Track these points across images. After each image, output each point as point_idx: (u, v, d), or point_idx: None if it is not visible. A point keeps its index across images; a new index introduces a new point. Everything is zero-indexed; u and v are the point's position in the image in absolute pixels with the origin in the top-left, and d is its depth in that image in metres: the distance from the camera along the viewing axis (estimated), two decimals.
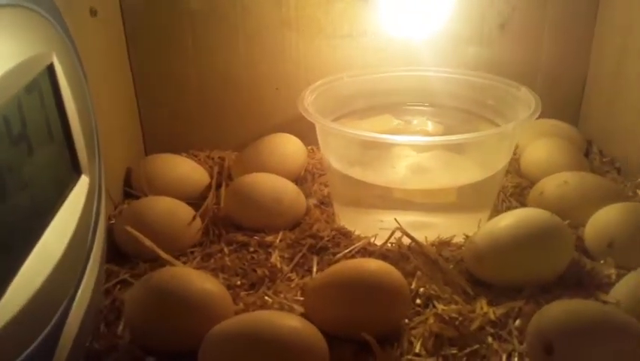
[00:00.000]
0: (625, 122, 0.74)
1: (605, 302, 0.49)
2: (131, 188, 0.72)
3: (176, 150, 0.78)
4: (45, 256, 0.37)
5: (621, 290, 0.50)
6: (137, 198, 0.69)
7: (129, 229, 0.58)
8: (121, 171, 0.72)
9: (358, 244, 0.59)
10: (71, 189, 0.44)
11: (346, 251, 0.58)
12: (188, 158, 0.77)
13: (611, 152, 0.76)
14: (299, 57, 0.79)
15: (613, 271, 0.54)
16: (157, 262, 0.58)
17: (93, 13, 0.65)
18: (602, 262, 0.56)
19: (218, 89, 0.81)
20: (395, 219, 0.58)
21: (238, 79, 0.80)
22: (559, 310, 0.44)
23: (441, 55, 0.79)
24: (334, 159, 0.63)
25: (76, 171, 0.45)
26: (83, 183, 0.46)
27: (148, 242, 0.58)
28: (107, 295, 0.54)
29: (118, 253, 0.60)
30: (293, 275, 0.57)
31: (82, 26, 0.61)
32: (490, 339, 0.48)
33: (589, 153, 0.77)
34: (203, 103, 0.81)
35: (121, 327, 0.51)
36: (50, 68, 0.42)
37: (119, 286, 0.56)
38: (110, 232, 0.60)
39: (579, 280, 0.54)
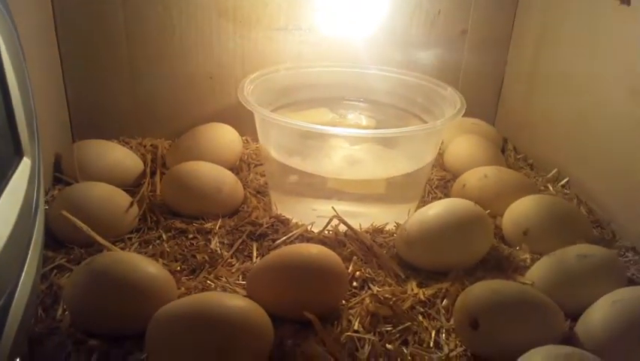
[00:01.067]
0: (537, 123, 0.81)
1: (521, 283, 0.54)
2: (61, 174, 0.70)
3: (105, 136, 0.76)
4: None
5: (535, 273, 0.55)
6: (68, 184, 0.67)
7: (65, 213, 0.57)
8: (49, 157, 0.70)
9: (297, 231, 0.61)
10: (14, 171, 0.43)
11: (285, 238, 0.61)
12: (120, 145, 0.76)
13: (525, 150, 0.83)
14: (235, 47, 0.80)
15: (528, 256, 0.59)
16: (93, 248, 0.58)
17: None
18: (517, 248, 0.61)
19: (150, 75, 0.80)
20: (332, 207, 0.61)
21: (172, 66, 0.80)
22: (482, 289, 0.48)
23: (372, 52, 0.82)
24: (274, 148, 0.64)
25: (18, 154, 0.44)
26: (25, 165, 0.45)
27: (85, 227, 0.57)
28: (44, 281, 0.53)
29: (52, 239, 0.59)
30: (233, 261, 0.58)
31: (13, 4, 0.59)
32: (420, 317, 0.51)
33: (505, 150, 0.84)
34: (135, 89, 0.80)
35: (59, 311, 0.50)
36: None
37: (55, 272, 0.55)
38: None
39: (498, 264, 0.59)
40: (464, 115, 0.64)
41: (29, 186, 0.45)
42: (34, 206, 0.46)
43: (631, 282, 0.56)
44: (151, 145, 0.80)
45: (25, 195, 0.43)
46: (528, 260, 0.59)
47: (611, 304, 0.47)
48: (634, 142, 0.62)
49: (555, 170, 0.76)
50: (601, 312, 0.47)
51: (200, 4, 0.77)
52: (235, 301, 0.45)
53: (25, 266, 0.43)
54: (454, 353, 0.48)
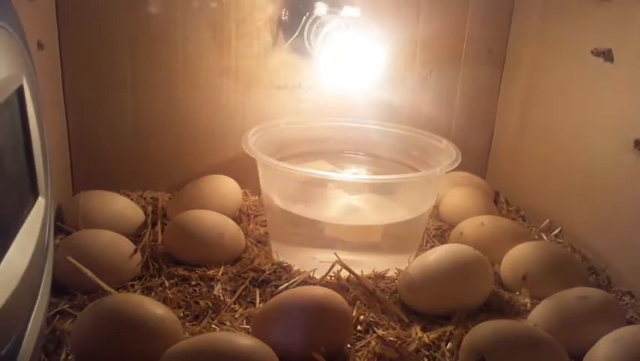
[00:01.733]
0: (528, 175, 0.83)
1: (525, 324, 0.54)
2: (62, 223, 0.70)
3: (105, 189, 0.77)
4: (6, 278, 0.36)
5: (537, 315, 0.56)
6: (68, 233, 0.68)
7: (71, 259, 0.57)
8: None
9: (299, 277, 0.62)
10: (30, 210, 0.44)
11: (288, 283, 0.61)
12: (121, 196, 0.77)
13: (516, 202, 0.86)
14: (236, 104, 0.83)
15: (528, 301, 0.60)
16: (96, 294, 0.57)
17: (40, 47, 0.66)
18: (517, 293, 0.62)
19: (153, 130, 0.82)
20: (335, 253, 0.62)
21: (175, 122, 0.82)
22: (488, 328, 0.49)
23: (368, 108, 0.85)
24: (277, 196, 0.66)
25: (33, 193, 0.46)
26: (40, 204, 0.46)
27: (89, 273, 0.57)
28: (47, 326, 0.53)
29: (55, 285, 0.58)
30: (236, 306, 0.58)
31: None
32: (426, 360, 0.52)
33: (497, 202, 0.86)
34: (137, 144, 0.82)
35: (62, 356, 0.50)
36: (20, 90, 0.43)
37: (58, 317, 0.55)
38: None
39: (500, 308, 0.60)
40: (456, 169, 0.67)
41: (42, 226, 0.45)
42: (45, 247, 0.47)
43: (629, 324, 0.57)
44: (151, 198, 0.81)
45: (39, 234, 0.44)
46: (528, 304, 0.60)
47: (612, 343, 0.48)
48: (625, 190, 0.65)
49: (547, 220, 0.78)
50: (603, 350, 0.48)
51: (204, 64, 0.80)
52: (244, 340, 0.45)
53: (36, 307, 0.43)
54: None
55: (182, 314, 0.57)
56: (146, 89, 0.80)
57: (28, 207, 0.44)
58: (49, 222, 0.48)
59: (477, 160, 0.92)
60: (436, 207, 0.82)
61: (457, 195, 0.80)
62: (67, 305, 0.56)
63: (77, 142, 0.80)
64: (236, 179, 0.80)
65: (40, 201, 0.46)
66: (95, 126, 0.80)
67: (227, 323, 0.55)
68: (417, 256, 0.67)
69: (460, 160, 0.66)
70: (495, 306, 0.60)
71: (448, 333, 0.55)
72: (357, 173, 0.76)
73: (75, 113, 0.79)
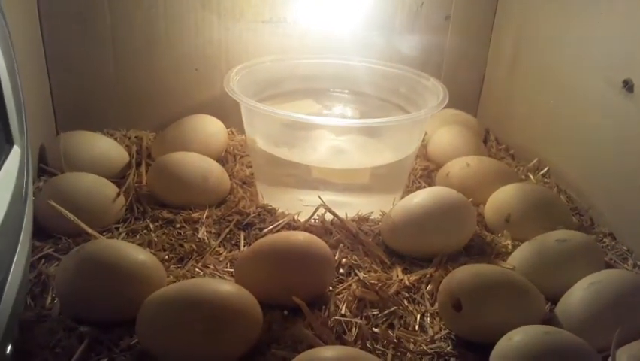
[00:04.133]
0: (518, 114, 0.82)
1: (503, 268, 0.55)
2: (46, 165, 0.70)
3: (89, 128, 0.76)
4: None
5: (517, 258, 0.57)
6: (53, 175, 0.67)
7: (52, 203, 0.57)
8: (34, 148, 0.70)
9: (283, 220, 0.62)
10: (4, 160, 0.43)
11: (272, 226, 0.61)
12: (105, 136, 0.76)
13: (506, 140, 0.85)
14: (220, 40, 0.80)
15: (509, 242, 0.61)
16: (81, 238, 0.58)
17: None
18: (500, 235, 0.63)
19: (135, 68, 0.80)
20: (319, 196, 0.62)
21: (157, 59, 0.80)
22: (465, 272, 0.50)
23: (356, 44, 0.83)
24: (260, 139, 0.65)
25: (8, 142, 0.45)
26: (15, 154, 0.45)
27: (72, 217, 0.57)
28: (32, 270, 0.53)
29: (40, 229, 0.59)
30: (221, 249, 0.59)
31: None
32: (405, 302, 0.53)
33: (486, 141, 0.85)
34: (119, 81, 0.80)
35: (49, 300, 0.50)
36: None
37: (43, 261, 0.55)
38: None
39: (481, 251, 0.60)
40: (447, 106, 0.65)
41: (19, 174, 0.45)
42: (24, 194, 0.46)
43: (608, 266, 0.58)
44: (135, 137, 0.80)
45: (16, 183, 0.44)
46: (510, 246, 0.61)
47: (587, 287, 0.48)
48: (612, 132, 0.64)
49: (536, 159, 0.78)
50: (579, 294, 0.49)
51: None
52: (224, 286, 0.46)
53: (17, 254, 0.43)
54: (439, 335, 0.49)
55: (166, 257, 0.57)
56: (125, 24, 0.77)
57: (2, 156, 0.43)
58: (26, 170, 0.48)
59: (468, 97, 0.91)
60: (425, 146, 0.81)
61: (446, 134, 0.79)
62: (51, 249, 0.57)
63: (58, 81, 0.78)
64: (222, 117, 0.78)
65: (16, 150, 0.45)
66: (75, 64, 0.78)
67: (211, 266, 0.56)
68: (403, 196, 0.67)
69: (447, 100, 0.65)
70: (476, 248, 0.61)
71: (428, 275, 0.56)
72: (343, 112, 0.75)
73: (54, 51, 0.76)
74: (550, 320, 0.50)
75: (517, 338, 0.42)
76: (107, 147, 0.73)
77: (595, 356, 0.42)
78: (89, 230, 0.58)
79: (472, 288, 0.48)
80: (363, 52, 0.81)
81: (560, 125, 0.73)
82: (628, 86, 0.60)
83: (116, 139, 0.78)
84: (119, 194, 0.63)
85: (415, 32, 0.85)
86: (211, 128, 0.76)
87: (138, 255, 0.50)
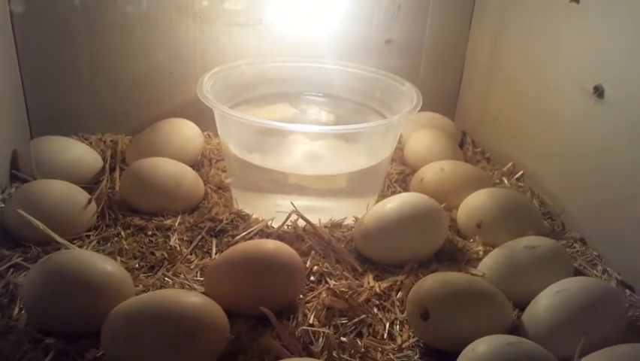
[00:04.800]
0: (494, 118, 0.83)
1: (473, 275, 0.55)
2: (18, 171, 0.69)
3: (64, 133, 0.75)
4: None
5: (487, 264, 0.57)
6: (25, 181, 0.67)
7: (21, 211, 0.57)
8: (6, 154, 0.69)
9: (256, 227, 0.62)
10: None
11: (244, 233, 0.61)
12: (78, 141, 0.76)
13: (482, 143, 0.85)
14: (195, 43, 0.80)
15: (481, 248, 0.61)
16: (51, 246, 0.57)
17: None
18: (471, 240, 0.63)
19: (110, 71, 0.79)
20: (292, 202, 0.62)
21: (132, 62, 0.79)
22: (433, 281, 0.50)
23: (331, 48, 0.83)
24: (233, 145, 0.65)
25: None
26: None
27: (41, 225, 0.57)
28: (0, 280, 0.53)
29: (9, 237, 0.58)
30: (192, 257, 0.59)
31: None
32: (375, 310, 0.53)
33: (463, 144, 0.86)
34: (94, 85, 0.79)
35: (16, 310, 0.50)
36: None
37: (11, 270, 0.55)
38: None
39: (452, 256, 0.61)
40: (424, 109, 0.65)
41: None
42: None
43: (577, 273, 0.58)
44: (111, 141, 0.79)
45: None
46: (481, 252, 0.61)
47: (554, 295, 0.49)
48: (584, 137, 0.64)
49: (510, 163, 0.78)
50: (545, 302, 0.49)
51: (160, 0, 0.76)
52: (190, 298, 0.46)
53: None
54: (407, 343, 0.50)
55: (137, 265, 0.57)
56: (100, 27, 0.76)
57: None
58: None
59: (446, 100, 0.91)
60: (401, 149, 0.81)
61: (422, 138, 0.79)
62: (20, 258, 0.56)
63: (32, 86, 0.77)
64: (198, 121, 0.78)
65: None
66: (49, 67, 0.77)
67: (182, 275, 0.56)
68: (378, 201, 0.67)
69: (420, 105, 0.65)
70: (448, 254, 0.61)
71: (399, 283, 0.56)
72: (318, 116, 0.75)
73: (27, 56, 0.75)
74: (517, 327, 0.50)
75: (480, 348, 0.42)
76: (81, 152, 0.72)
77: None
78: (59, 239, 0.57)
79: (439, 297, 0.48)
80: (340, 55, 0.81)
81: (535, 129, 0.74)
82: (598, 92, 0.61)
83: (90, 143, 0.77)
84: (89, 201, 0.62)
85: (393, 35, 0.85)
86: (186, 132, 0.76)
87: (106, 266, 0.49)
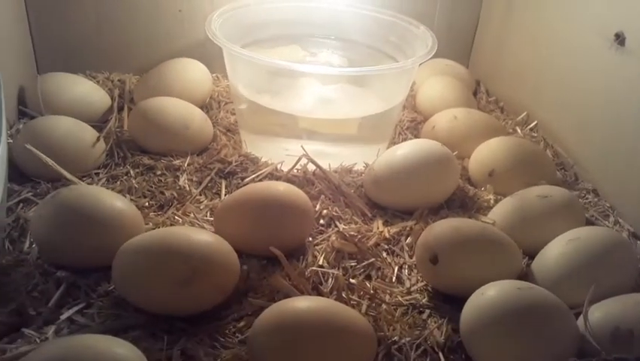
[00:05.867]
0: (509, 67, 0.81)
1: (483, 222, 0.55)
2: (26, 107, 0.68)
3: (71, 70, 0.74)
4: None
5: (498, 212, 0.57)
6: (32, 117, 0.66)
7: (30, 147, 0.56)
8: (13, 89, 0.68)
9: (266, 170, 0.61)
10: None
11: (254, 176, 0.61)
12: (86, 78, 0.75)
13: (496, 92, 0.84)
14: None
15: (492, 197, 0.61)
16: (60, 182, 0.57)
17: None
18: (483, 189, 0.63)
19: (118, 7, 0.77)
20: (302, 146, 0.61)
21: None
22: (443, 226, 0.50)
23: None
24: (243, 86, 0.64)
25: None
26: None
27: (50, 162, 0.56)
28: (10, 214, 0.53)
29: (18, 173, 0.58)
30: (202, 198, 0.59)
31: None
32: (384, 254, 0.53)
33: (477, 93, 0.84)
34: (101, 22, 0.77)
35: (27, 244, 0.50)
36: None
37: (21, 205, 0.55)
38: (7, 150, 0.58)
39: (463, 204, 0.60)
40: (438, 56, 0.64)
41: None
42: None
43: (590, 223, 0.58)
44: (118, 80, 0.78)
45: None
46: (492, 200, 0.60)
47: (566, 243, 0.49)
48: (602, 86, 0.63)
49: (525, 113, 0.77)
50: (556, 250, 0.49)
51: None
52: (201, 236, 0.46)
53: None
54: (415, 287, 0.50)
55: (146, 204, 0.57)
56: None
57: None
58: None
59: (461, 47, 0.89)
60: (413, 96, 0.80)
61: (434, 85, 0.78)
62: (30, 193, 0.56)
63: (38, 21, 0.75)
64: (207, 62, 0.76)
65: None
66: (56, 4, 0.75)
67: (192, 214, 0.56)
68: (388, 148, 0.66)
69: (435, 49, 0.63)
70: (458, 202, 0.60)
71: (408, 228, 0.56)
72: (330, 60, 0.73)
73: None
74: (526, 275, 0.50)
75: (489, 292, 0.42)
76: (88, 90, 0.71)
77: (567, 312, 0.42)
78: (68, 175, 0.57)
79: (449, 242, 0.48)
80: None
81: (551, 78, 0.72)
82: (620, 39, 0.59)
83: (98, 82, 0.76)
84: (98, 139, 0.62)
85: None
86: (195, 73, 0.74)
87: (115, 202, 0.49)
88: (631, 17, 0.58)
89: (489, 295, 0.42)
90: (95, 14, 0.77)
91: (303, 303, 0.41)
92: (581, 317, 0.43)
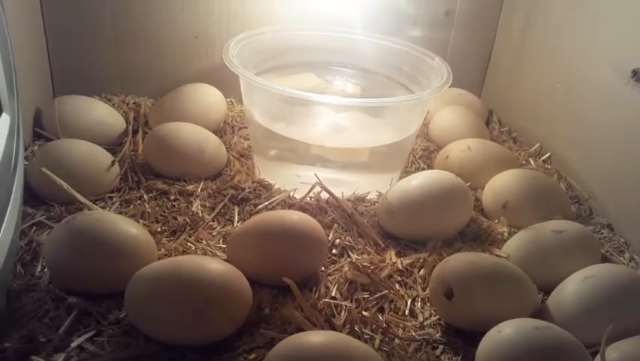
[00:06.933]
0: (522, 97, 0.81)
1: (497, 256, 0.55)
2: (42, 129, 0.69)
3: (87, 93, 0.75)
4: None
5: (512, 246, 0.56)
6: (48, 140, 0.67)
7: (45, 170, 0.56)
8: (29, 112, 0.69)
9: (279, 197, 0.61)
10: None
11: (267, 203, 0.61)
12: (101, 101, 0.75)
13: (509, 123, 0.84)
14: (221, 6, 0.78)
15: (505, 230, 0.60)
16: (74, 206, 0.57)
17: None
18: (496, 221, 0.62)
19: (135, 32, 0.78)
20: (315, 174, 0.61)
21: (157, 23, 0.78)
22: (458, 260, 0.49)
23: (362, 19, 0.81)
24: (257, 112, 0.64)
25: None
26: (4, 121, 0.44)
27: (65, 185, 0.57)
28: (23, 237, 0.53)
29: (32, 195, 0.58)
30: (214, 224, 0.58)
31: None
32: (397, 286, 0.52)
33: (489, 123, 0.84)
34: (118, 45, 0.78)
35: (39, 268, 0.50)
36: None
37: (34, 228, 0.55)
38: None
39: (477, 237, 0.60)
40: (451, 86, 0.64)
41: (8, 141, 0.44)
42: (13, 161, 0.45)
43: (605, 259, 0.57)
44: (134, 103, 0.79)
45: (5, 150, 0.43)
46: (506, 233, 0.60)
47: (582, 280, 0.48)
48: (617, 121, 0.63)
49: (538, 144, 0.76)
50: (572, 287, 0.48)
51: None
52: (214, 265, 0.46)
53: (4, 222, 0.42)
54: (429, 321, 0.49)
55: (159, 229, 0.57)
56: None
57: None
58: (16, 136, 0.47)
59: (473, 78, 0.89)
60: (426, 125, 0.80)
61: (448, 115, 0.78)
62: (43, 216, 0.56)
63: (56, 44, 0.76)
64: (222, 87, 0.77)
65: (5, 117, 0.44)
66: (73, 27, 0.76)
67: (204, 241, 0.55)
68: (401, 177, 0.66)
69: (450, 81, 0.64)
70: (472, 234, 0.60)
71: (421, 260, 0.55)
72: (344, 88, 0.73)
73: (52, 15, 0.74)
74: (541, 311, 0.49)
75: (506, 331, 0.42)
76: (104, 113, 0.72)
77: (584, 352, 0.42)
78: (82, 199, 0.57)
79: (464, 277, 0.47)
80: (368, 26, 0.79)
81: (565, 111, 0.72)
82: (637, 76, 0.59)
83: (113, 105, 0.77)
84: (113, 163, 0.62)
85: (422, 9, 0.82)
86: (210, 98, 0.75)
87: (130, 228, 0.49)
88: None
89: (506, 333, 0.42)
90: (112, 38, 0.78)
91: (316, 338, 0.40)
92: (598, 357, 0.42)
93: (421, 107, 0.66)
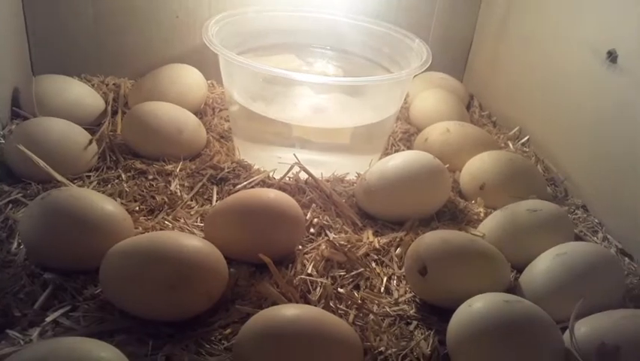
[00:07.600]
0: (503, 82, 0.81)
1: (473, 235, 0.55)
2: (19, 108, 0.68)
3: (66, 73, 0.74)
4: None
5: (487, 225, 0.57)
6: (26, 118, 0.66)
7: (21, 147, 0.56)
8: (7, 90, 0.68)
9: (258, 177, 0.61)
10: None
11: (246, 183, 0.61)
12: (81, 82, 0.75)
13: (489, 107, 0.84)
14: None
15: (482, 210, 0.61)
16: (50, 184, 0.57)
17: None
18: (473, 202, 0.63)
19: (115, 12, 0.77)
20: (294, 154, 0.61)
21: (138, 3, 0.77)
22: (433, 237, 0.50)
23: (345, 0, 0.80)
24: (237, 93, 0.64)
25: None
26: None
27: (41, 163, 0.56)
28: None
29: (9, 173, 0.58)
30: (193, 203, 0.58)
31: None
32: (373, 264, 0.53)
33: (470, 107, 0.85)
34: (98, 26, 0.77)
35: (14, 245, 0.50)
36: None
37: (10, 206, 0.54)
38: None
39: (453, 216, 0.60)
40: (433, 69, 0.64)
41: None
42: None
43: (578, 239, 0.58)
44: (113, 84, 0.78)
45: None
46: (482, 213, 0.61)
47: (554, 257, 0.49)
48: (594, 103, 0.63)
49: (517, 128, 0.77)
50: (544, 264, 0.49)
51: None
52: (190, 241, 0.46)
53: None
54: (403, 298, 0.50)
55: (137, 208, 0.57)
56: None
57: None
58: None
59: (455, 61, 0.89)
60: (407, 109, 0.80)
61: (429, 98, 0.78)
62: (20, 194, 0.56)
63: (34, 23, 0.75)
64: (202, 68, 0.77)
65: None
66: (53, 7, 0.75)
67: (182, 219, 0.56)
68: (381, 158, 0.67)
69: (430, 61, 0.64)
70: (449, 214, 0.61)
71: (398, 239, 0.56)
72: (325, 69, 0.74)
73: None
74: (514, 288, 0.50)
75: (476, 304, 0.43)
76: (83, 93, 0.71)
77: (553, 326, 0.42)
78: (59, 177, 0.57)
79: (438, 254, 0.48)
80: (350, 7, 0.79)
81: (543, 94, 0.73)
82: (612, 56, 0.59)
83: (93, 85, 0.76)
84: (91, 141, 0.62)
85: None
86: (190, 79, 0.75)
87: (105, 205, 0.49)
88: (623, 35, 0.59)
89: (476, 307, 0.42)
90: (92, 18, 0.77)
91: (290, 311, 0.41)
92: (567, 332, 0.43)
93: (400, 87, 0.66)
